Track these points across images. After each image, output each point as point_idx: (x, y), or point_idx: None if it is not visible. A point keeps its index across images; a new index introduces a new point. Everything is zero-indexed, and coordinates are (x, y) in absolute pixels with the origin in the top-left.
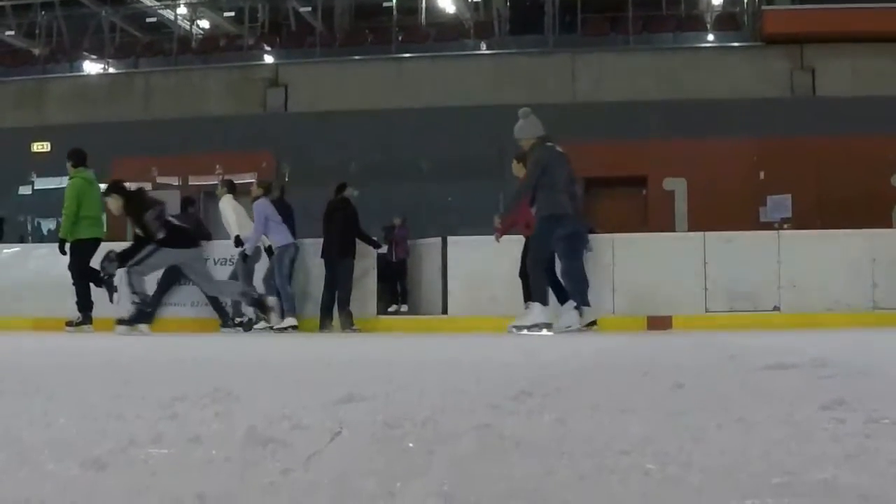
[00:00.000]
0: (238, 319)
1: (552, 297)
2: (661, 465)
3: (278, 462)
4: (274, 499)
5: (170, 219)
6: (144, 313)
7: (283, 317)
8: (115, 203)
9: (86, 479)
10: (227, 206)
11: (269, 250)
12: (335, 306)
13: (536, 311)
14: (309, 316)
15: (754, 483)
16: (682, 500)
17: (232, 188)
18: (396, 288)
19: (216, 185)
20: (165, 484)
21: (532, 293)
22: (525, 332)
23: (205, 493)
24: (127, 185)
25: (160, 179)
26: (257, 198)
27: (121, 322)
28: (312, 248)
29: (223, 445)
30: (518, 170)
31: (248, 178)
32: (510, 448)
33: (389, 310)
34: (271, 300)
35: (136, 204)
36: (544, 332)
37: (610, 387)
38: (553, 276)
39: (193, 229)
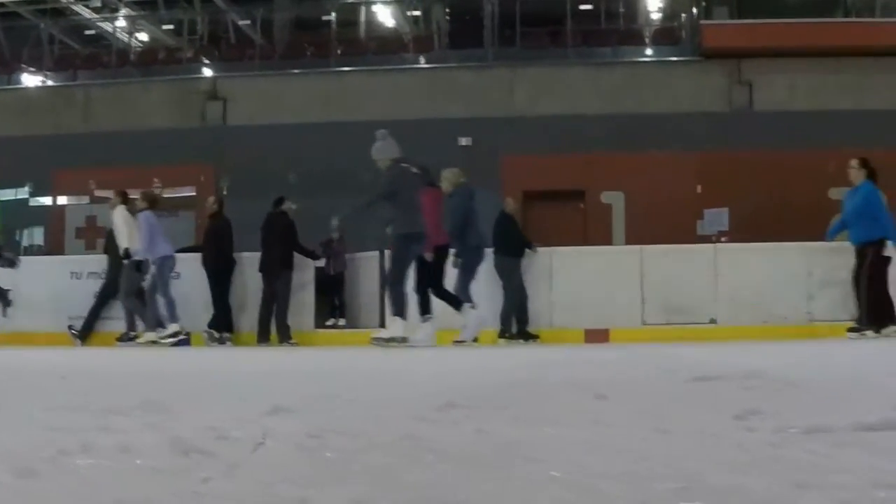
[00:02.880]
0: (133, 333)
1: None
2: (568, 472)
3: (202, 472)
4: None
5: None
6: None
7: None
8: None
9: (17, 487)
10: (119, 217)
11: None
12: (273, 320)
13: (397, 325)
14: (246, 330)
15: (654, 488)
16: None
17: (125, 199)
18: (334, 301)
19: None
20: (93, 492)
21: (392, 308)
22: (384, 344)
23: (129, 501)
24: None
25: (98, 193)
26: (142, 210)
27: None
28: (250, 262)
29: (150, 455)
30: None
31: (187, 192)
32: (428, 457)
33: (327, 323)
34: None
35: None
36: (402, 344)
37: (536, 398)
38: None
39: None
